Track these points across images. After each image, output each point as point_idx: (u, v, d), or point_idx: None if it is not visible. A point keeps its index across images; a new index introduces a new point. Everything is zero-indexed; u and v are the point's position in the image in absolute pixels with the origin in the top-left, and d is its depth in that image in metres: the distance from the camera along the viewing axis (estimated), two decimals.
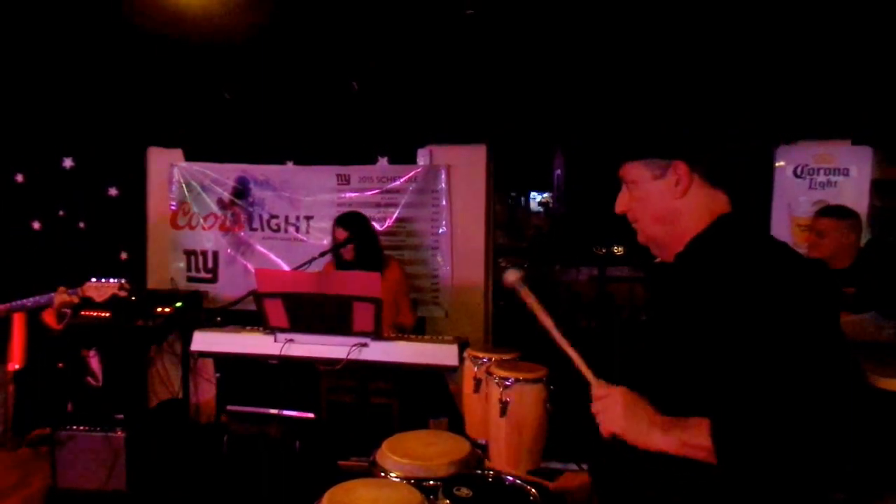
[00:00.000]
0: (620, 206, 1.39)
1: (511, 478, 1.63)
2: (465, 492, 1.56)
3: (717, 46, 3.33)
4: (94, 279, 3.12)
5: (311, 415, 3.73)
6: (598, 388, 1.30)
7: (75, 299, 3.06)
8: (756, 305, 1.12)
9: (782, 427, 1.08)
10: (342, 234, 3.56)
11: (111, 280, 3.13)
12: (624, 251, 4.21)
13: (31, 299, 3.02)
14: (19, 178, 4.66)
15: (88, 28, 3.88)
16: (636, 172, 1.34)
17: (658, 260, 1.46)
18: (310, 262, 3.55)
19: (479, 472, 1.71)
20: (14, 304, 3.00)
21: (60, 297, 3.04)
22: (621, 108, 3.46)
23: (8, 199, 4.61)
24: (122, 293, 3.14)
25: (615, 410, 1.23)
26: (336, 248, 3.57)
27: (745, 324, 1.13)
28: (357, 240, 3.54)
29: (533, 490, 1.58)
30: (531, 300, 1.49)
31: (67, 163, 4.64)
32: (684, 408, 1.21)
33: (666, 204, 1.31)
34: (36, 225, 4.66)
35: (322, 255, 3.64)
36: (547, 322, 1.47)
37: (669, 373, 1.25)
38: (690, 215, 1.30)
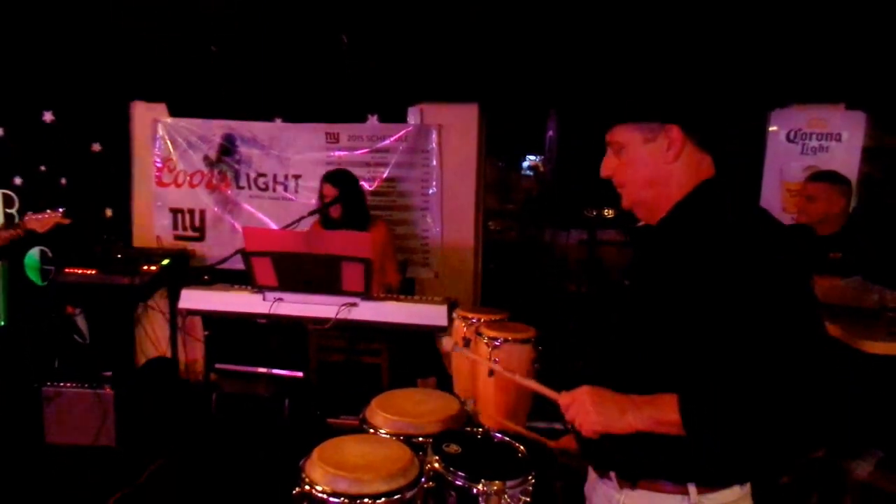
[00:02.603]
0: (606, 170, 1.38)
1: (500, 435, 1.65)
2: (454, 448, 1.58)
3: (712, 6, 3.26)
4: (30, 212, 3.11)
5: (299, 374, 3.75)
6: (563, 398, 1.30)
7: (19, 233, 3.04)
8: (732, 273, 1.13)
9: (748, 398, 1.09)
10: (330, 190, 3.52)
11: (49, 211, 3.11)
12: (615, 214, 4.19)
13: None
14: None
15: None
16: (626, 135, 1.31)
17: (641, 224, 1.45)
18: (298, 220, 3.51)
19: (468, 429, 1.72)
20: None
21: (3, 233, 3.03)
22: (615, 70, 3.39)
23: None
24: (65, 221, 3.13)
25: (586, 409, 1.23)
26: (325, 206, 3.53)
27: (720, 291, 1.13)
28: (345, 198, 3.50)
29: (521, 447, 1.60)
30: (471, 357, 1.54)
31: (48, 117, 4.52)
32: (658, 374, 1.23)
33: (657, 168, 1.29)
34: (17, 181, 4.56)
35: (311, 213, 3.61)
36: (492, 367, 1.59)
37: (646, 338, 1.26)
38: (678, 180, 1.30)
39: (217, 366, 3.94)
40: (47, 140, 4.52)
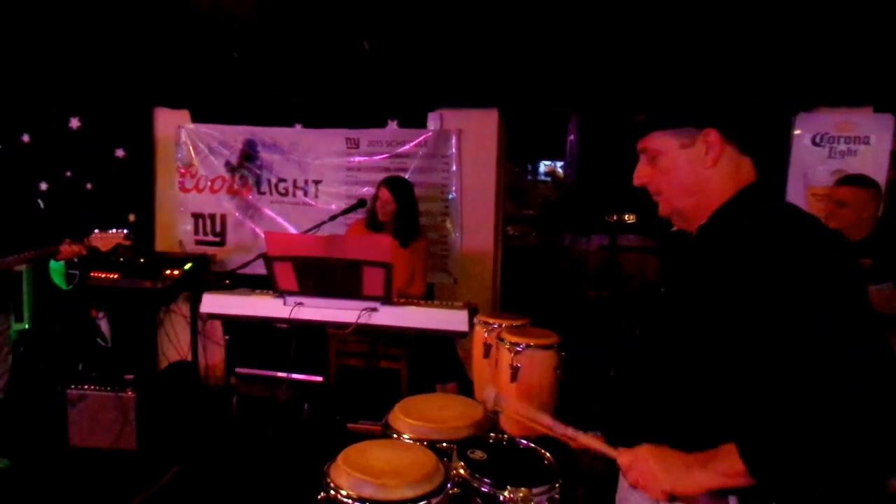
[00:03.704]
0: (640, 178, 1.34)
1: (525, 441, 1.62)
2: (479, 454, 1.56)
3: (738, 9, 3.22)
4: (97, 230, 3.14)
5: (319, 378, 3.76)
6: (623, 457, 1.25)
7: (83, 250, 3.08)
8: (786, 282, 1.07)
9: (811, 428, 1.01)
10: (387, 195, 3.52)
11: (114, 230, 3.15)
12: (636, 219, 4.15)
13: (34, 251, 3.02)
14: (26, 138, 4.63)
15: None
16: (661, 142, 1.28)
17: (675, 229, 1.41)
18: (319, 225, 3.53)
19: (493, 435, 1.70)
20: (19, 255, 3.00)
21: (67, 248, 3.05)
22: (640, 74, 3.35)
23: (15, 159, 4.58)
24: (127, 242, 3.18)
25: (650, 471, 1.18)
26: (360, 204, 3.59)
27: (772, 302, 1.07)
28: (401, 205, 3.51)
29: (547, 453, 1.57)
30: (521, 414, 1.47)
31: (74, 123, 4.60)
32: (704, 388, 1.19)
33: (695, 174, 1.26)
34: (43, 185, 4.64)
35: (332, 218, 3.62)
36: (546, 422, 1.45)
37: (687, 349, 1.22)
38: (718, 186, 1.25)
39: (237, 370, 3.95)
40: (73, 146, 4.60)
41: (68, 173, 4.62)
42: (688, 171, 1.26)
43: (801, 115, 3.72)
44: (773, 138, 3.65)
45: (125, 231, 3.20)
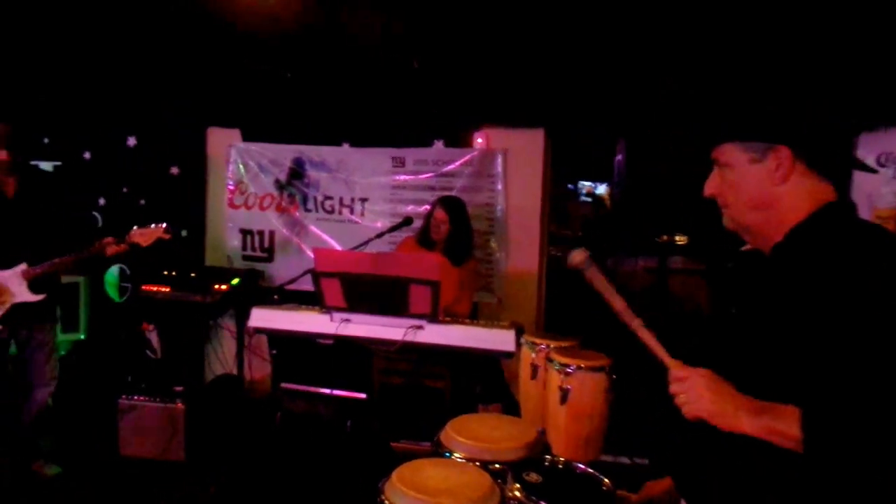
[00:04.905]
0: (710, 188, 1.31)
1: (582, 466, 1.58)
2: (534, 477, 1.52)
3: (799, 27, 3.14)
4: (136, 227, 3.20)
5: (362, 395, 3.76)
6: (678, 370, 1.23)
7: (124, 247, 3.14)
8: (871, 304, 1.03)
9: (881, 424, 1.00)
10: (442, 215, 3.54)
11: (153, 225, 3.20)
12: (687, 241, 4.05)
13: (77, 253, 3.10)
14: (87, 155, 4.82)
15: (152, 14, 3.96)
16: (731, 155, 1.25)
17: (747, 247, 1.37)
18: (366, 242, 3.56)
19: (548, 457, 1.66)
20: (63, 258, 3.08)
21: (110, 247, 3.12)
22: (696, 91, 3.29)
23: (76, 176, 4.77)
24: (167, 236, 3.22)
25: (699, 392, 1.16)
26: (407, 222, 3.64)
27: (856, 324, 1.03)
28: (455, 225, 3.53)
29: (605, 479, 1.52)
30: (600, 281, 1.42)
31: (131, 141, 4.77)
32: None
33: (763, 190, 1.22)
34: (101, 201, 4.81)
35: (379, 236, 3.65)
36: (618, 303, 1.39)
37: (763, 369, 1.17)
38: (790, 203, 1.21)
39: (282, 385, 3.99)
40: (130, 163, 4.76)
41: (125, 189, 4.78)
42: (755, 187, 1.23)
43: (864, 135, 3.60)
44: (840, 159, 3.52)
45: (164, 224, 3.23)
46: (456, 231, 3.54)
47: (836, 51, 3.15)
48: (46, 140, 4.81)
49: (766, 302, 1.21)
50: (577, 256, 1.43)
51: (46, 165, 4.75)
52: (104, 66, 4.46)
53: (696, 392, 1.17)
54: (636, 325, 1.37)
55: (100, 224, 4.78)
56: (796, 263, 1.17)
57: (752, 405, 1.13)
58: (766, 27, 3.14)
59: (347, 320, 2.97)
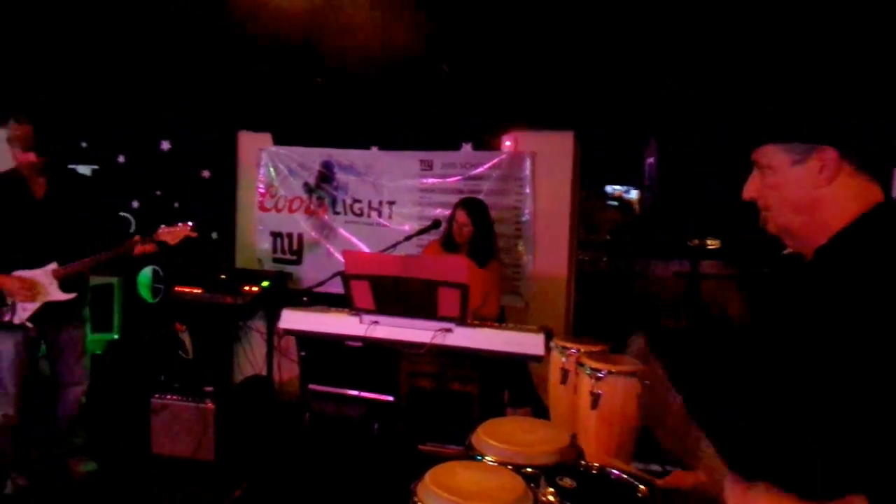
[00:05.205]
0: (750, 191, 1.28)
1: (617, 471, 1.56)
2: (568, 482, 1.50)
3: (843, 21, 3.06)
4: (164, 225, 3.25)
5: (390, 398, 3.76)
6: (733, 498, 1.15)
7: (151, 246, 3.19)
8: None
9: None
10: (464, 217, 3.54)
11: (180, 224, 3.25)
12: (720, 245, 3.98)
13: (106, 252, 3.15)
14: (121, 159, 4.93)
15: (186, 21, 4.04)
16: (773, 156, 1.22)
17: (788, 251, 1.34)
18: (395, 245, 3.57)
19: (583, 463, 1.65)
20: (94, 257, 3.14)
21: (139, 247, 3.17)
22: (733, 91, 3.21)
23: (111, 179, 4.88)
24: (194, 234, 3.27)
25: None
26: (435, 225, 3.64)
27: None
28: (478, 227, 3.53)
29: (641, 486, 1.50)
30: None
31: (165, 145, 4.87)
32: (821, 428, 1.09)
33: (805, 192, 1.19)
34: (135, 204, 4.91)
35: (408, 238, 3.66)
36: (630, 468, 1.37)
37: (805, 383, 1.13)
38: (835, 205, 1.17)
39: (310, 386, 4.02)
40: (163, 167, 4.86)
41: (158, 192, 4.88)
42: (798, 189, 1.19)
43: None
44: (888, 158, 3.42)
45: (191, 224, 3.29)
46: (479, 232, 3.53)
47: (880, 48, 3.06)
48: (84, 144, 4.93)
49: (806, 308, 1.17)
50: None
51: (84, 169, 4.87)
52: (139, 72, 4.56)
53: None
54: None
55: (133, 226, 4.88)
56: (843, 267, 1.13)
57: None
58: (808, 23, 3.06)
59: (376, 322, 2.97)
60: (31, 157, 2.97)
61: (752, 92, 3.11)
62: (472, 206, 3.58)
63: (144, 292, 4.88)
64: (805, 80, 2.96)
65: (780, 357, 1.18)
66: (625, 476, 1.53)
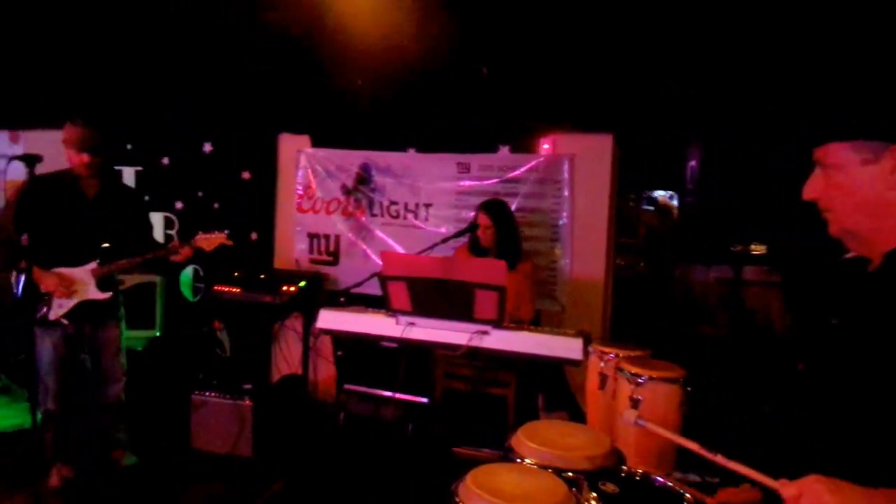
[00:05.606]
0: (811, 191, 1.22)
1: (661, 479, 1.52)
2: (611, 487, 1.47)
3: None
4: (201, 232, 3.35)
5: (424, 400, 3.76)
6: (789, 489, 1.10)
7: (188, 252, 3.28)
8: None
9: None
10: (486, 220, 3.54)
11: (216, 232, 3.36)
12: (765, 251, 3.87)
13: (142, 256, 3.24)
14: (165, 161, 5.05)
15: (228, 28, 4.13)
16: (840, 155, 1.17)
17: (849, 255, 1.28)
18: (432, 247, 3.57)
19: (625, 468, 1.61)
20: (130, 259, 3.22)
21: (176, 255, 3.27)
22: (795, 88, 3.06)
23: (155, 180, 5.01)
24: (229, 242, 3.39)
25: (823, 501, 1.04)
26: (469, 228, 3.59)
27: None
28: (500, 228, 3.52)
29: (688, 495, 1.46)
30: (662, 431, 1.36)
31: (207, 147, 4.97)
32: (887, 425, 1.05)
33: (875, 193, 1.14)
34: (178, 205, 5.02)
35: (444, 241, 3.66)
36: (692, 445, 1.37)
37: (869, 387, 1.08)
38: None
39: (346, 386, 4.05)
40: (205, 168, 4.96)
41: (200, 193, 4.98)
42: (866, 190, 1.15)
43: None
44: None
45: (226, 232, 3.40)
46: (502, 233, 3.50)
47: None
48: (129, 146, 5.07)
49: (870, 314, 1.12)
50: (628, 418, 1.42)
51: (129, 170, 5.02)
52: (183, 75, 4.67)
53: (819, 502, 1.05)
54: (720, 460, 1.30)
55: (176, 227, 5.00)
56: None
57: (881, 494, 1.02)
58: (878, 15, 2.93)
59: (413, 324, 2.97)
60: (85, 158, 3.07)
61: (812, 90, 2.99)
62: (493, 208, 3.57)
63: (186, 291, 4.99)
64: (875, 75, 2.83)
65: (847, 358, 1.14)
66: (670, 483, 1.49)
